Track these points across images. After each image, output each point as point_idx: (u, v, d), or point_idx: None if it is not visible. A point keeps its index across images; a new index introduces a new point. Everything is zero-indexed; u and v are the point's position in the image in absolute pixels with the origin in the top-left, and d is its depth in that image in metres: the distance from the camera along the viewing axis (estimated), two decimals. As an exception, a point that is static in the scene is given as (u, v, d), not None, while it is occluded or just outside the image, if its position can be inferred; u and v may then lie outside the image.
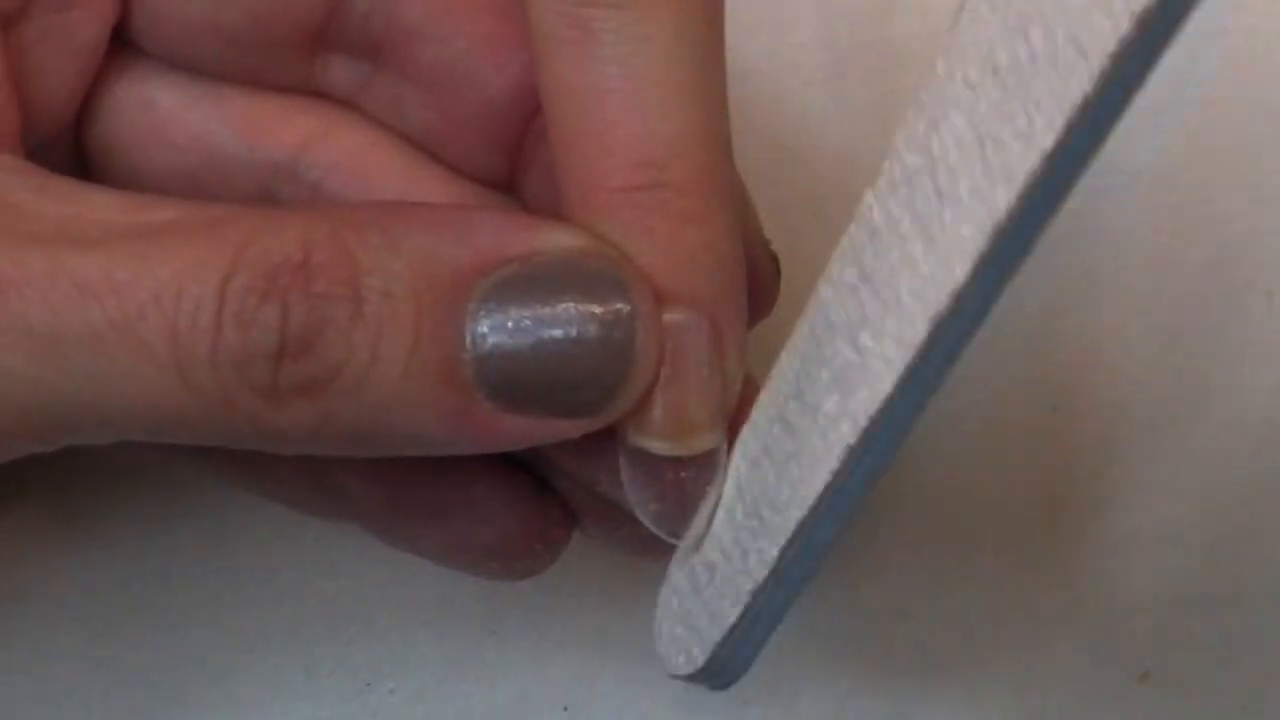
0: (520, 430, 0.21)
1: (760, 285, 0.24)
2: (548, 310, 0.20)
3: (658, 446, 0.22)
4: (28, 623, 0.30)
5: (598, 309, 0.20)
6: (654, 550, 0.23)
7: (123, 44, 0.25)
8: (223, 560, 0.30)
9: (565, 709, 0.30)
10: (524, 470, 0.26)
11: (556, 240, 0.21)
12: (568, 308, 0.20)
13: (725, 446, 0.22)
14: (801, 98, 0.31)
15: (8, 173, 0.21)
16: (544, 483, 0.26)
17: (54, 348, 0.20)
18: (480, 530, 0.25)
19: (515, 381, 0.20)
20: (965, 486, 0.31)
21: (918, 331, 0.19)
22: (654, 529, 0.23)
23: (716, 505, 0.22)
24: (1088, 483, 0.31)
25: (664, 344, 0.21)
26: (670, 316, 0.21)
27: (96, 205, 0.21)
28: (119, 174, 0.25)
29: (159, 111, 0.25)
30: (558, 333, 0.20)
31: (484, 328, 0.20)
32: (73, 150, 0.25)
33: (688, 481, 0.22)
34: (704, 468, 0.22)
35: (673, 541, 0.23)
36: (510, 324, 0.20)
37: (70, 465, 0.30)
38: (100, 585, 0.30)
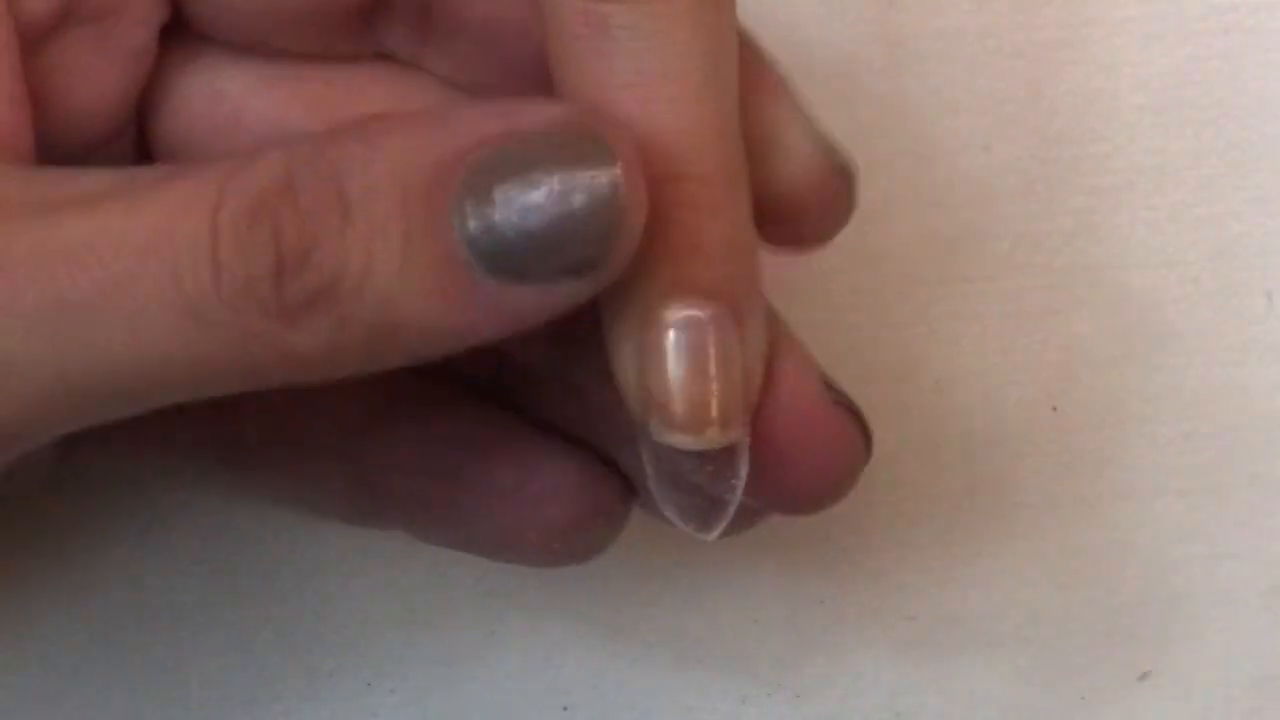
0: (527, 303, 0.21)
1: (828, 197, 0.24)
2: (531, 178, 0.20)
3: (680, 441, 0.22)
4: (28, 622, 0.30)
5: (580, 169, 0.20)
6: (709, 522, 0.23)
7: (186, 35, 0.25)
8: (223, 560, 0.30)
9: (565, 709, 0.30)
10: (578, 446, 0.26)
11: (535, 113, 0.21)
12: (550, 173, 0.20)
13: (748, 440, 0.22)
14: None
15: None
16: (599, 458, 0.26)
17: (55, 320, 0.19)
18: (538, 512, 0.25)
19: (511, 253, 0.20)
20: (965, 486, 0.31)
21: None
22: (681, 525, 0.23)
23: (739, 497, 0.23)
24: (1088, 483, 0.31)
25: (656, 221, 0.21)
26: (693, 312, 0.21)
27: (85, 181, 0.21)
28: None
29: (229, 100, 0.25)
30: (542, 198, 0.20)
31: (471, 207, 0.20)
32: (136, 149, 0.25)
33: (713, 475, 0.22)
34: (727, 462, 0.22)
35: (700, 537, 0.23)
36: (497, 199, 0.20)
37: (70, 464, 0.30)
38: (100, 585, 0.30)
